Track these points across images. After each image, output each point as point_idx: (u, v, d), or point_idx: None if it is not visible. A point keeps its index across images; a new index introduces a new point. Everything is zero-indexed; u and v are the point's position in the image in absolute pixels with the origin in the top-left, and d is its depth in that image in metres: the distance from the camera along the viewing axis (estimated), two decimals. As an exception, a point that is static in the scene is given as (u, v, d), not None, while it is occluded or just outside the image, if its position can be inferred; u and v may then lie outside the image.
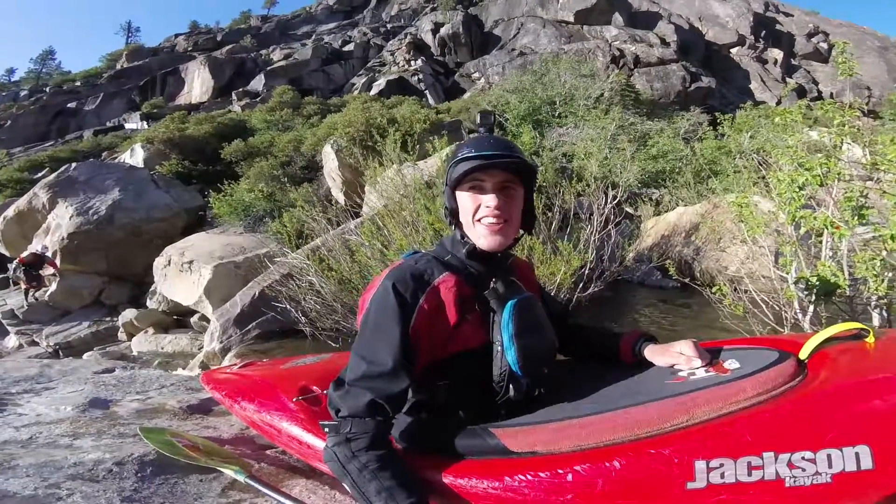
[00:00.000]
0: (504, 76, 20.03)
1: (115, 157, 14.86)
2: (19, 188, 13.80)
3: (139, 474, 1.51)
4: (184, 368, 5.21)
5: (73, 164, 10.13)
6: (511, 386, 1.00)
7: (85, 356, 6.72)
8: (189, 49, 34.20)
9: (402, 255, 1.14)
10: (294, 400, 1.36)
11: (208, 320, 6.30)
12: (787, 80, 21.93)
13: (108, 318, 7.88)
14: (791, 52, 24.95)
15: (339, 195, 8.92)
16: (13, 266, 8.45)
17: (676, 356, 1.05)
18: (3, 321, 8.06)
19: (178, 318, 7.02)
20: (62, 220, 8.49)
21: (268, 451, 1.74)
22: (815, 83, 23.41)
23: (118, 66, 33.02)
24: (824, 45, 25.11)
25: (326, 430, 0.96)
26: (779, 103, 18.38)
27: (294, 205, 8.07)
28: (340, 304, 3.44)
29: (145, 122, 23.02)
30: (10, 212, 9.52)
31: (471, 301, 1.02)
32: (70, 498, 1.36)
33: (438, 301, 0.98)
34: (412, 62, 24.99)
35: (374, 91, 21.63)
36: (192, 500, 1.45)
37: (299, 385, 1.43)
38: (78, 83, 31.73)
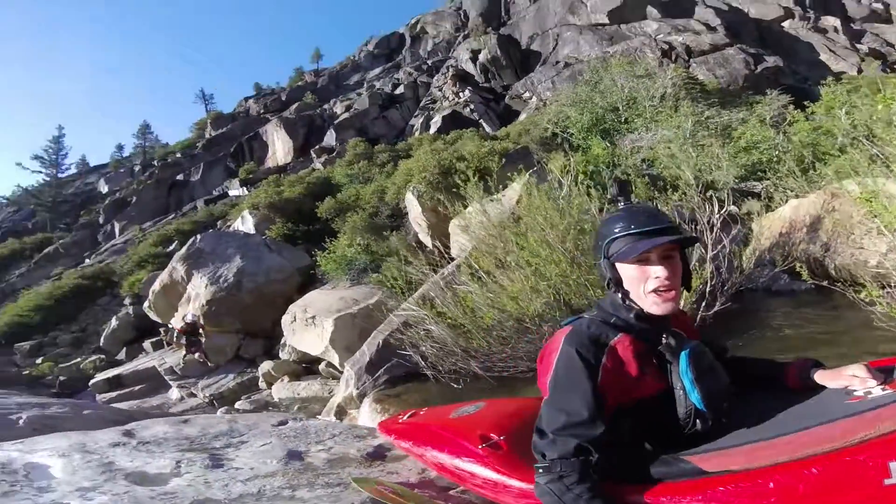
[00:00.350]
0: (555, 90, 19.54)
1: (229, 225, 16.38)
2: (157, 262, 15.88)
3: (361, 520, 1.79)
4: (320, 412, 5.68)
5: (199, 237, 11.37)
6: (697, 420, 1.13)
7: (237, 405, 7.56)
8: (261, 112, 35.31)
9: (564, 322, 1.30)
10: (480, 447, 1.52)
11: (334, 367, 6.86)
12: (857, 46, 19.72)
13: (248, 370, 8.80)
14: (846, 16, 22.38)
15: (426, 239, 9.35)
16: (175, 335, 9.71)
17: (849, 378, 1.10)
18: (166, 377, 9.29)
19: (306, 367, 7.68)
20: (199, 289, 9.70)
21: (450, 492, 1.91)
22: (890, 45, 20.91)
23: (206, 135, 34.90)
24: (879, 6, 22.53)
25: (540, 470, 1.12)
26: (860, 72, 16.63)
27: (390, 254, 8.63)
28: (459, 348, 3.64)
29: (245, 188, 24.38)
30: (156, 286, 11.00)
31: (647, 355, 1.16)
32: (319, 545, 1.65)
33: (618, 359, 1.14)
34: (460, 94, 24.79)
35: (432, 129, 21.73)
36: (406, 540, 1.69)
37: (478, 433, 1.59)
38: (178, 154, 33.92)
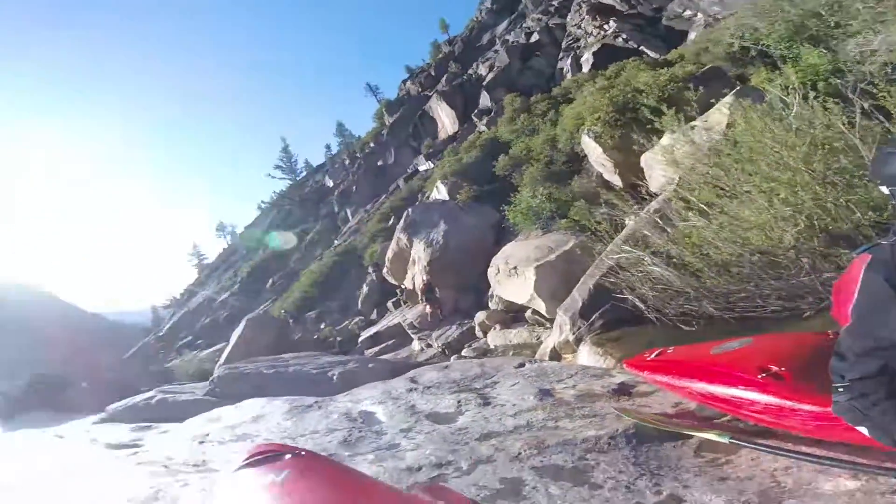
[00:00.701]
0: (723, 3, 15.71)
1: (428, 196, 17.87)
2: (384, 235, 18.59)
3: (629, 444, 1.93)
4: (532, 356, 6.01)
5: (410, 210, 13.04)
6: None
7: (463, 352, 8.48)
8: (420, 91, 36.46)
9: (859, 250, 1.24)
10: (760, 377, 1.53)
11: (540, 314, 7.16)
12: None
13: (466, 321, 9.72)
14: None
15: (613, 178, 8.82)
16: (420, 296, 11.17)
17: None
18: (408, 331, 11.02)
19: (513, 315, 8.16)
20: (420, 253, 11.17)
21: (714, 421, 1.93)
22: None
23: (385, 122, 37.56)
24: None
25: (840, 390, 1.16)
26: None
27: (575, 199, 8.46)
28: (691, 288, 3.37)
29: (430, 162, 26.03)
30: (389, 254, 13.13)
31: None
32: (599, 466, 1.83)
33: None
34: (604, 27, 21.41)
35: (585, 69, 19.74)
36: (674, 460, 1.77)
37: (754, 365, 1.59)
38: (372, 144, 37.51)
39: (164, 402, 6.62)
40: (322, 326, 17.03)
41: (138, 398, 7.02)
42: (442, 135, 29.02)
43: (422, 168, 27.33)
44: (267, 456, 1.27)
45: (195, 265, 53.38)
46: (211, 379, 7.63)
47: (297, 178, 51.11)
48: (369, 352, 11.53)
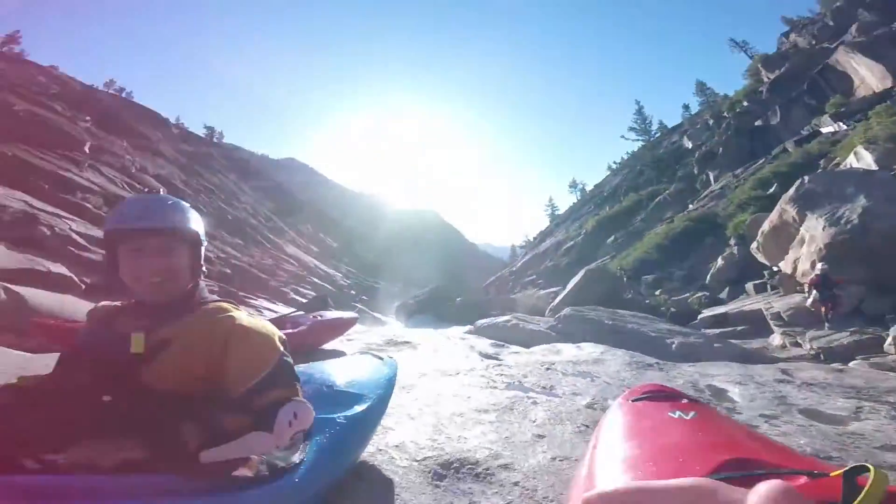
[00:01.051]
0: None
1: (837, 163, 14.14)
2: (758, 204, 15.84)
3: None
4: None
5: (807, 178, 10.26)
6: None
7: (851, 364, 6.49)
8: (814, 43, 31.29)
9: None
10: None
11: None
12: None
13: (869, 329, 7.31)
14: None
15: None
16: (806, 289, 8.88)
17: None
18: (771, 322, 9.19)
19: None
20: (815, 231, 8.83)
21: None
22: None
23: (764, 79, 33.17)
24: None
25: None
26: None
27: None
28: None
29: (840, 123, 21.55)
30: (765, 226, 10.85)
31: None
32: None
33: None
34: None
35: None
36: None
37: None
38: (745, 102, 33.14)
39: (517, 327, 7.95)
40: (657, 293, 16.33)
41: (499, 319, 8.54)
42: (862, 91, 23.70)
43: (825, 130, 22.93)
44: (665, 395, 1.31)
45: (548, 214, 60.88)
46: (557, 316, 8.75)
47: (651, 139, 50.64)
48: (709, 332, 10.27)
